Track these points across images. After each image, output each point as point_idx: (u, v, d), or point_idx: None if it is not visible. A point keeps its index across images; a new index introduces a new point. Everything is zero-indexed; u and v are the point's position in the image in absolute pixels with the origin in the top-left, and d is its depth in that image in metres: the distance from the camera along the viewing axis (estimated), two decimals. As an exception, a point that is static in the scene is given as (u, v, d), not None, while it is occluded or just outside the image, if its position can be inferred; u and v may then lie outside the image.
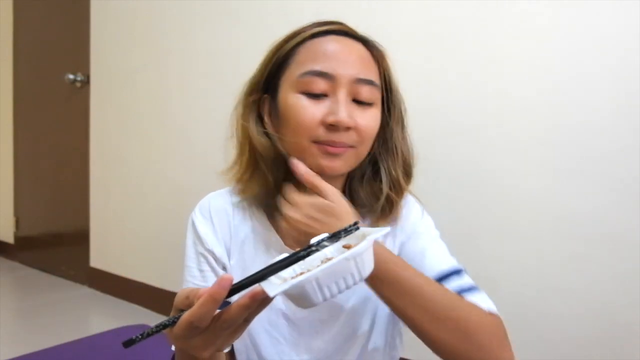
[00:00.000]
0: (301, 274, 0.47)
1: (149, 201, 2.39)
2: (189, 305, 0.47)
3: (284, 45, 0.73)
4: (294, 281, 0.44)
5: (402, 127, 0.78)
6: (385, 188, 0.74)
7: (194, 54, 2.16)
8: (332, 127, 0.68)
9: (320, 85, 0.69)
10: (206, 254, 0.76)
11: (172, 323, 0.48)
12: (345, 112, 0.68)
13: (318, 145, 0.69)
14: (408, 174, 0.78)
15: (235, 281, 0.47)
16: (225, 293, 0.45)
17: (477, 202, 1.45)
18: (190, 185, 2.17)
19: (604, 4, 1.25)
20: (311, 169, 0.70)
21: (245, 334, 0.73)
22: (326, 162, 0.70)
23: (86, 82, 2.64)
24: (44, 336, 2.01)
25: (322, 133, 0.69)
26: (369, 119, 0.71)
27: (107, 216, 2.61)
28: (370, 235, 0.48)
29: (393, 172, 0.75)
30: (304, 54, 0.71)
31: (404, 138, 0.77)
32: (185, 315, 0.46)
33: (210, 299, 0.45)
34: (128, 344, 0.45)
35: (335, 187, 0.71)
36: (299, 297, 0.46)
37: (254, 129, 0.73)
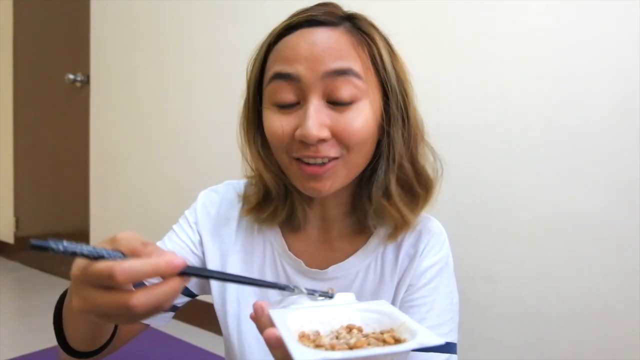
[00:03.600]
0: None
1: (149, 201, 2.39)
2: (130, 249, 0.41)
3: (257, 53, 0.65)
4: (328, 356, 0.39)
5: (403, 125, 0.63)
6: (374, 193, 0.64)
7: (194, 54, 2.16)
8: (303, 142, 0.58)
9: (288, 94, 0.59)
10: (192, 232, 0.77)
11: (103, 258, 0.39)
12: (312, 122, 0.57)
13: (298, 163, 0.60)
14: (409, 184, 0.65)
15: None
16: (174, 271, 0.41)
17: (477, 202, 1.45)
18: (190, 185, 2.17)
19: (604, 3, 1.25)
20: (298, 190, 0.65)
21: (235, 336, 0.71)
22: (311, 184, 0.61)
23: (86, 82, 2.63)
24: (44, 336, 1.99)
25: (296, 149, 0.60)
26: (351, 121, 0.58)
27: (107, 216, 2.61)
28: (417, 340, 0.42)
29: (386, 177, 0.64)
30: (271, 59, 0.62)
31: (404, 141, 0.63)
32: (128, 263, 0.39)
33: (165, 266, 0.40)
34: (38, 247, 0.38)
35: (344, 193, 0.67)
36: None
37: (260, 163, 0.66)
